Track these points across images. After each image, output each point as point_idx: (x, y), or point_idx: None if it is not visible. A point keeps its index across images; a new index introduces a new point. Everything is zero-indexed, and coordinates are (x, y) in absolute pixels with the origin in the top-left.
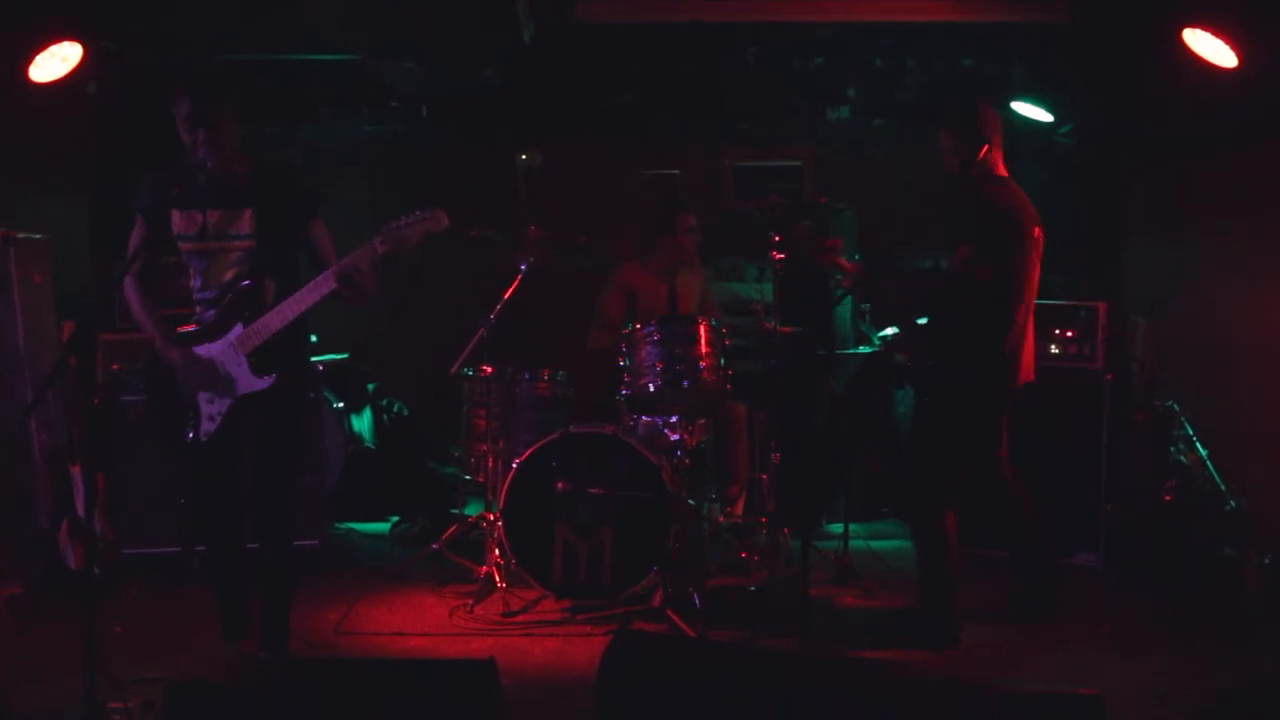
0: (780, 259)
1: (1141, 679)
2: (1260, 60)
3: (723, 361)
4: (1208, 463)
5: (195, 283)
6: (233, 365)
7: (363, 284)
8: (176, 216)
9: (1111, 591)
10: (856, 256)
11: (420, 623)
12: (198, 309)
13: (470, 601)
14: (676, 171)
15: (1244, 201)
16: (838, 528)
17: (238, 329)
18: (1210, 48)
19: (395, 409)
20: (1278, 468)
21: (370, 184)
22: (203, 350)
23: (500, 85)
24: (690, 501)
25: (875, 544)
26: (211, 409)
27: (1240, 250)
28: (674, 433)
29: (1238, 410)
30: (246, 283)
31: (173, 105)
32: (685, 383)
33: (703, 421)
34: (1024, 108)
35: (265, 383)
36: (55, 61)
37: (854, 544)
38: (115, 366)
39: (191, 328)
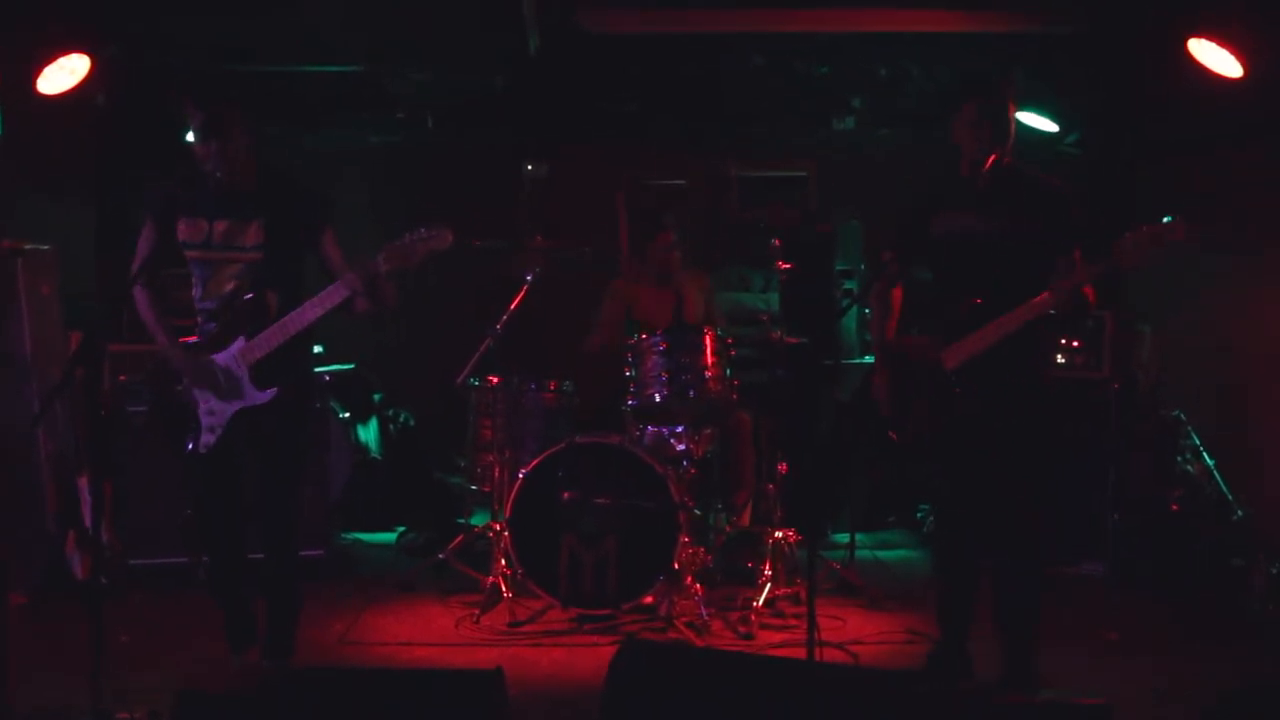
0: (786, 268)
1: (1142, 679)
2: (1264, 63)
3: (728, 372)
4: (1214, 472)
5: (196, 291)
6: (234, 378)
7: (381, 294)
8: (183, 224)
9: (1117, 599)
10: (861, 266)
11: (426, 633)
12: (199, 319)
13: (476, 611)
14: (682, 181)
15: (1247, 204)
16: (843, 537)
17: (240, 342)
18: (1216, 58)
19: (401, 419)
20: None
21: (374, 191)
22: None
23: (505, 92)
24: (696, 511)
25: (881, 554)
26: (211, 420)
27: (1244, 254)
28: (680, 443)
29: (1242, 414)
30: (249, 296)
31: (187, 117)
32: (691, 393)
33: (709, 431)
34: (1029, 117)
35: (265, 396)
36: (64, 74)
37: (860, 554)
38: (122, 377)
39: (194, 339)
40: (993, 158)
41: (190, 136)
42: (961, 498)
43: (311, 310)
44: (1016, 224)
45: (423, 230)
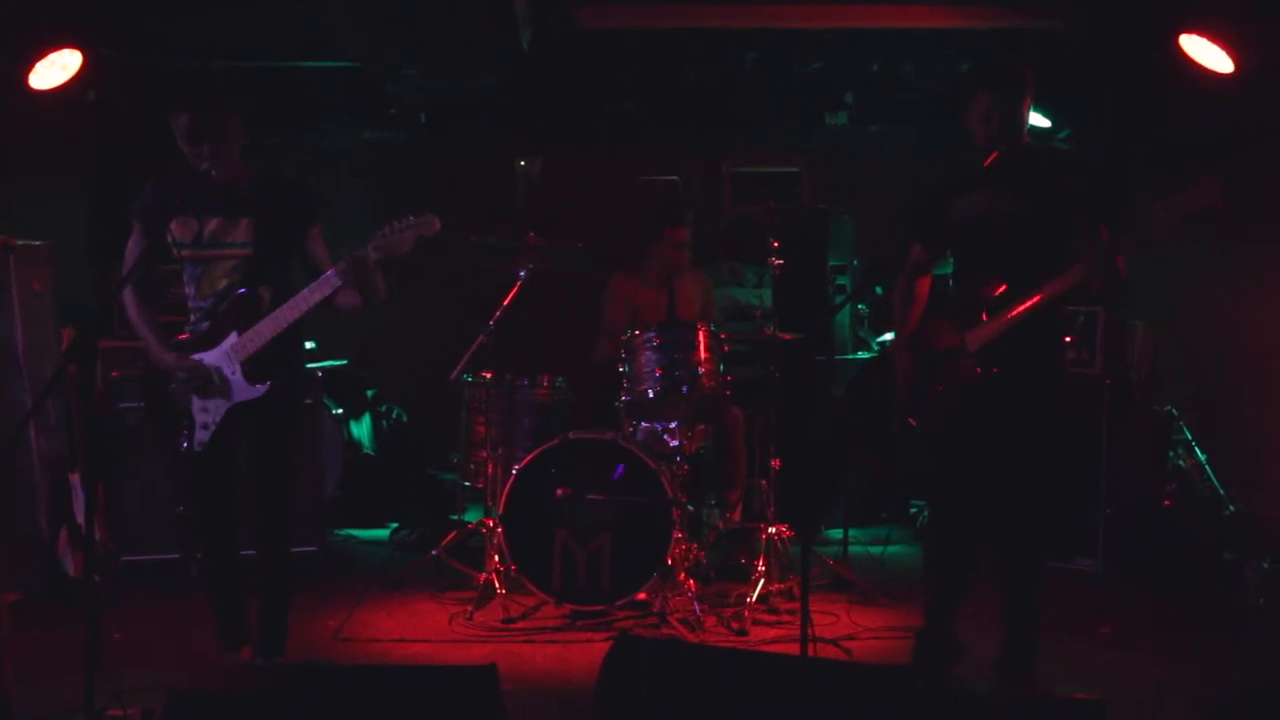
0: (779, 264)
1: (1140, 678)
2: (1258, 62)
3: (722, 367)
4: (1206, 467)
5: (190, 290)
6: (227, 373)
7: (370, 285)
8: (175, 224)
9: (1110, 595)
10: (854, 262)
11: (420, 629)
12: (193, 317)
13: (470, 608)
14: (675, 177)
15: (1242, 204)
16: (837, 533)
17: (232, 337)
18: (1207, 53)
19: (394, 415)
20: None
21: (369, 190)
22: (197, 359)
23: (499, 91)
24: (689, 507)
25: (875, 549)
26: (206, 418)
27: (1237, 253)
28: (673, 438)
29: (1234, 410)
30: (241, 291)
31: (172, 120)
32: (684, 388)
33: (702, 427)
34: None
35: (259, 390)
36: (55, 69)
37: (853, 549)
38: (115, 374)
39: (186, 336)
40: (994, 155)
41: (180, 141)
42: (963, 484)
43: (303, 302)
44: (1040, 201)
45: (411, 217)
